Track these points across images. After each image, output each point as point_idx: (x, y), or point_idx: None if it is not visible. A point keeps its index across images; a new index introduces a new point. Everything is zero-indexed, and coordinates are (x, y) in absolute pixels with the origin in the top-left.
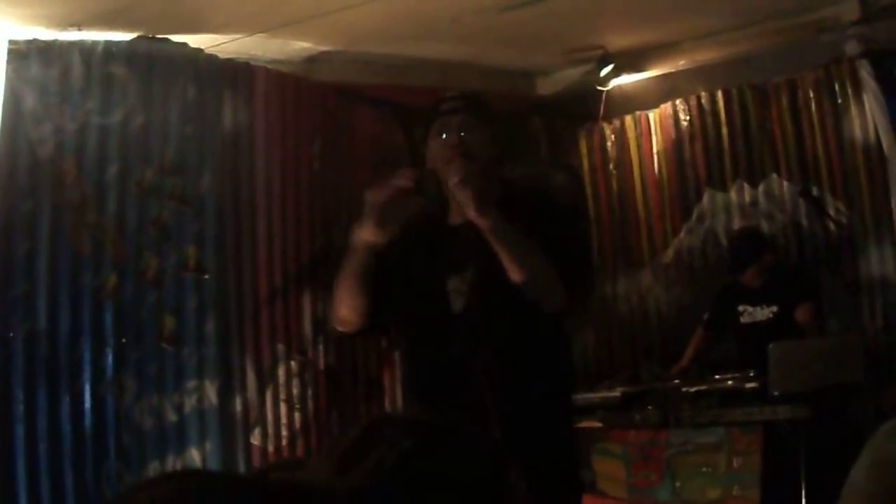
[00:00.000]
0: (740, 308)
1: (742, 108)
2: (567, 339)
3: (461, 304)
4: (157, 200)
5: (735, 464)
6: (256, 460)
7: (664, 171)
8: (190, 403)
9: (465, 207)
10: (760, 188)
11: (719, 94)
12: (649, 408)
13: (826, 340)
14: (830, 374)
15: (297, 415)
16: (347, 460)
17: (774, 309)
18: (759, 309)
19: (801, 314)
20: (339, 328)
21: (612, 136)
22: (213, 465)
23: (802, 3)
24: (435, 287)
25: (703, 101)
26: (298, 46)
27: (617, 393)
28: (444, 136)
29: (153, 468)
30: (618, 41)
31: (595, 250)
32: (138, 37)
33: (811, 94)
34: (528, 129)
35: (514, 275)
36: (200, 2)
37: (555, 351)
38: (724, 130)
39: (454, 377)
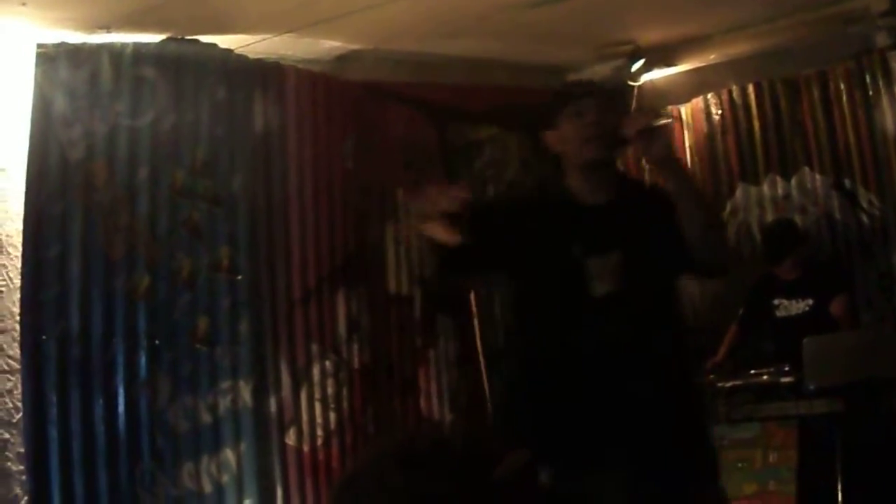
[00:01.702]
0: (776, 302)
1: (773, 101)
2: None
3: (603, 288)
4: (188, 201)
5: (771, 459)
6: (291, 461)
7: (696, 165)
8: (224, 404)
9: (655, 150)
10: (793, 181)
11: (750, 88)
12: None
13: (861, 333)
14: (866, 367)
15: (332, 414)
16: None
17: (810, 302)
18: (794, 302)
19: (837, 307)
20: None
21: None
22: (248, 465)
23: None
24: (573, 269)
25: (735, 94)
26: (328, 45)
27: None
28: (581, 116)
29: (187, 469)
30: (648, 36)
31: None
32: (167, 38)
33: (842, 87)
34: None
35: (695, 225)
36: (229, 2)
37: (683, 336)
38: (756, 124)
39: (591, 361)
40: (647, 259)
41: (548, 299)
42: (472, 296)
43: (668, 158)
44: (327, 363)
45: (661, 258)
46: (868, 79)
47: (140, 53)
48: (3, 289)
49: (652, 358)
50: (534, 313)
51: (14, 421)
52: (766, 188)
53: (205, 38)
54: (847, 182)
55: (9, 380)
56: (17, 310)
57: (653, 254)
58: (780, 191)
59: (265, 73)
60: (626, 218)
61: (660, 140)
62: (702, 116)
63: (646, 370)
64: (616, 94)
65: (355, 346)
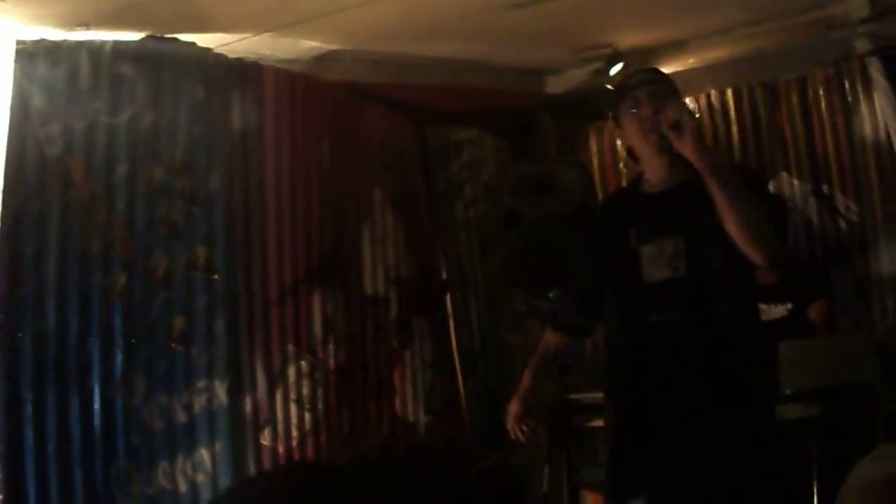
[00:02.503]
0: None
1: (752, 106)
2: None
3: (660, 273)
4: (166, 200)
5: None
6: (266, 461)
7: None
8: (199, 403)
9: (682, 146)
10: (771, 186)
11: (729, 93)
12: None
13: (837, 339)
14: (842, 372)
15: (307, 415)
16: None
17: (789, 306)
18: (773, 306)
19: (815, 312)
20: None
21: None
22: (223, 465)
23: (812, 0)
24: (629, 256)
25: (713, 99)
26: (307, 45)
27: None
28: (639, 107)
29: (162, 469)
30: (627, 39)
31: None
32: (147, 36)
33: (821, 92)
34: (538, 128)
35: (733, 219)
36: (209, 1)
37: (752, 325)
38: (734, 128)
39: (651, 347)
40: (710, 245)
41: (610, 287)
42: (448, 297)
43: (698, 153)
44: (303, 363)
45: (727, 244)
46: (847, 85)
47: (119, 51)
48: None
49: (712, 348)
50: (608, 300)
51: None
52: None
53: (184, 37)
54: (825, 188)
55: None
56: None
57: (718, 239)
58: None
59: (244, 73)
60: (688, 204)
61: (689, 134)
62: None
63: (703, 361)
64: (669, 80)
65: (331, 347)
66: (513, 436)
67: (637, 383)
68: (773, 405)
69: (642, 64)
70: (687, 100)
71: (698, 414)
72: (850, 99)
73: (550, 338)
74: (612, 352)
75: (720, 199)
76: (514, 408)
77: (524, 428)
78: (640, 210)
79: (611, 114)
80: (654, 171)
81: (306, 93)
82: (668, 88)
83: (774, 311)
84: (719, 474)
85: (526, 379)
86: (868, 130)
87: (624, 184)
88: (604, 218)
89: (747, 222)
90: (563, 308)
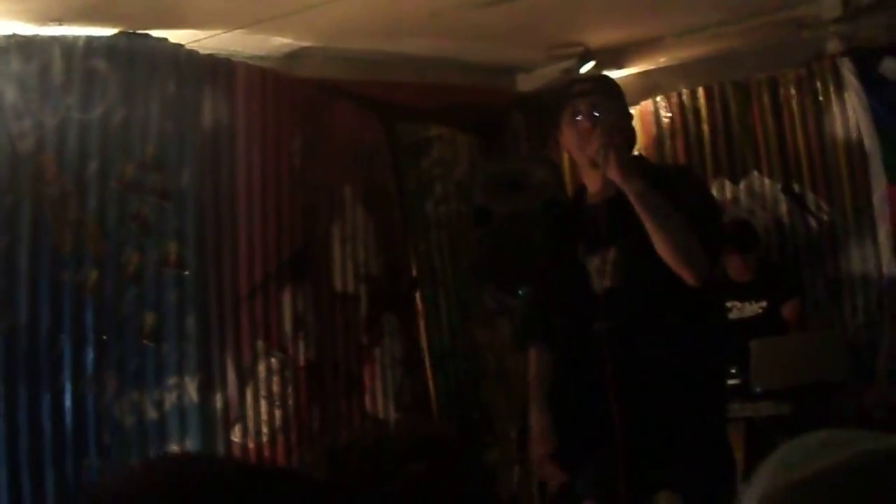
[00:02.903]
0: (728, 304)
1: (723, 104)
2: (719, 313)
3: (604, 283)
4: (137, 196)
5: None
6: (237, 458)
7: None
8: (170, 400)
9: (609, 173)
10: (742, 185)
11: (700, 91)
12: None
13: (808, 337)
14: (813, 370)
15: (277, 412)
16: (342, 460)
17: (764, 304)
18: (747, 304)
19: (789, 311)
20: None
21: None
22: None
23: (784, 0)
24: (576, 266)
25: (685, 97)
26: (279, 42)
27: None
28: (578, 118)
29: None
30: (598, 38)
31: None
32: (119, 32)
33: (793, 92)
34: (509, 125)
35: (660, 242)
36: None
37: (699, 327)
38: (706, 127)
39: (596, 354)
40: (643, 256)
41: (558, 298)
42: (418, 295)
43: (624, 179)
44: (273, 360)
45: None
46: (819, 85)
47: (91, 47)
48: None
49: (654, 351)
50: (555, 309)
51: None
52: (714, 191)
53: (156, 33)
54: (796, 187)
55: None
56: None
57: (651, 250)
58: (728, 194)
59: (215, 69)
60: (623, 215)
61: (614, 163)
62: (651, 119)
63: (651, 369)
64: (616, 86)
65: (301, 344)
66: (549, 480)
67: (580, 390)
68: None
69: (614, 62)
70: (658, 98)
71: (642, 417)
72: (821, 99)
73: (534, 361)
74: (558, 360)
75: (647, 224)
76: (538, 452)
77: (553, 469)
78: (583, 222)
79: (553, 119)
80: (593, 182)
81: (277, 89)
82: (610, 100)
83: (749, 309)
84: (664, 474)
85: (536, 417)
86: (839, 130)
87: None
88: (553, 228)
89: (675, 246)
90: (527, 322)
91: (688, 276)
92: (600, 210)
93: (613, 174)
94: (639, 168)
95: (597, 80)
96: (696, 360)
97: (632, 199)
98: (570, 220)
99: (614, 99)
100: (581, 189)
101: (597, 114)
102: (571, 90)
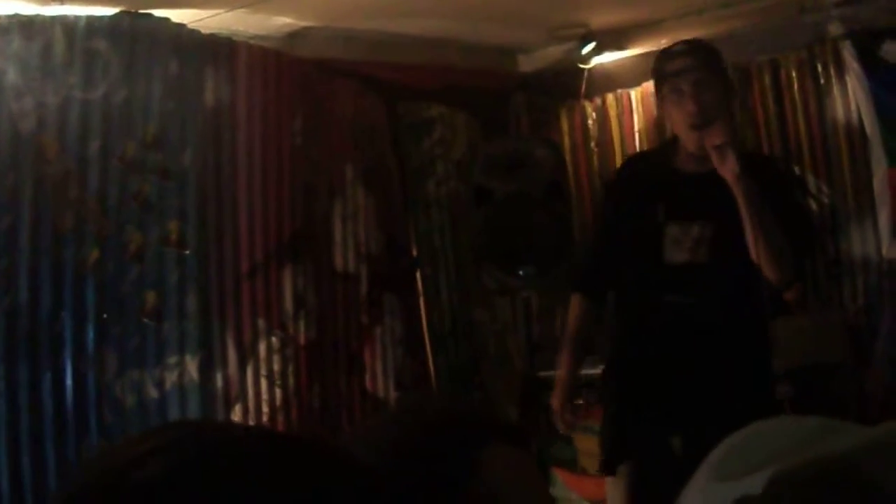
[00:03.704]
0: None
1: None
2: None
3: (679, 256)
4: (139, 175)
5: None
6: None
7: (645, 149)
8: (171, 379)
9: (722, 170)
10: None
11: None
12: None
13: (809, 319)
14: (814, 352)
15: (277, 390)
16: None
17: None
18: None
19: (790, 292)
20: None
21: (594, 115)
22: None
23: None
24: (650, 230)
25: None
26: (280, 22)
27: (598, 370)
28: (680, 102)
29: None
30: (600, 19)
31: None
32: (120, 12)
33: (794, 75)
34: (510, 106)
35: (757, 241)
36: None
37: (759, 312)
38: None
39: (664, 327)
40: (735, 235)
41: (625, 260)
42: (419, 274)
43: (736, 179)
44: (273, 339)
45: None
46: (820, 68)
47: (93, 26)
48: None
49: (720, 332)
50: (623, 276)
51: None
52: None
53: (158, 13)
54: (797, 169)
55: None
56: None
57: (743, 232)
58: None
59: (217, 49)
60: (721, 191)
61: (731, 161)
62: (652, 101)
63: (718, 346)
64: (715, 53)
65: (301, 323)
66: (563, 430)
67: (645, 359)
68: (770, 387)
69: (616, 44)
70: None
71: (701, 392)
72: (822, 82)
73: (574, 309)
74: (622, 326)
75: (748, 223)
76: (557, 403)
77: (569, 417)
78: (671, 187)
79: (654, 88)
80: (692, 143)
81: (279, 69)
82: (712, 73)
83: None
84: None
85: (563, 364)
86: (840, 113)
87: (595, 163)
88: (627, 183)
89: (770, 249)
90: (581, 269)
91: (774, 277)
92: (694, 182)
93: (727, 173)
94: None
95: (695, 51)
96: (755, 352)
97: (739, 198)
98: (655, 180)
99: (714, 71)
100: (666, 148)
101: (700, 95)
102: (669, 67)
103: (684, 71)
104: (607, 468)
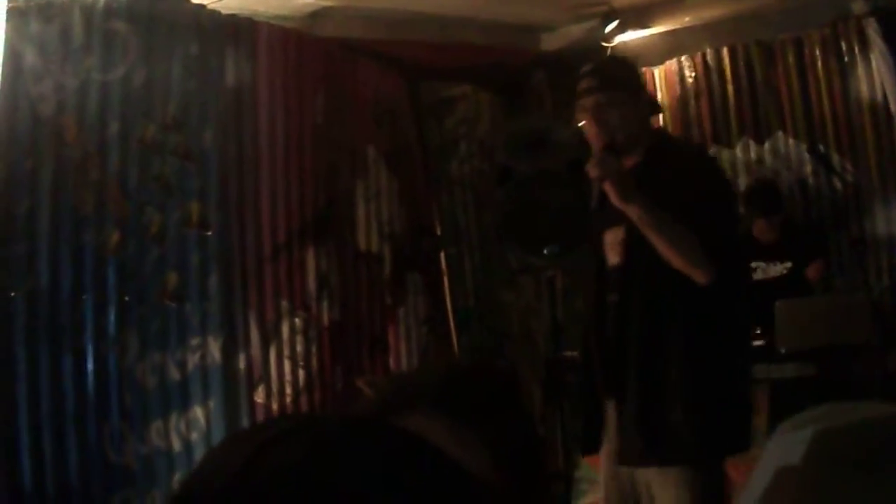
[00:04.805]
0: (753, 265)
1: (748, 65)
2: (734, 288)
3: (615, 258)
4: (159, 157)
5: None
6: (260, 418)
7: (669, 127)
8: (193, 361)
9: (612, 199)
10: (766, 145)
11: (725, 51)
12: None
13: (833, 299)
14: (837, 332)
15: (300, 372)
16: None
17: (789, 265)
18: (773, 265)
19: (813, 271)
20: None
21: None
22: (217, 423)
23: None
24: (597, 240)
25: (709, 57)
26: (301, 2)
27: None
28: (588, 122)
29: (156, 427)
30: None
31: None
32: None
33: (818, 52)
34: (533, 85)
35: (666, 254)
36: None
37: (709, 307)
38: (730, 87)
39: (609, 322)
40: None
41: (585, 265)
42: (442, 254)
43: (625, 205)
44: (296, 320)
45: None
46: (844, 45)
47: (111, 8)
48: None
49: (661, 331)
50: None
51: None
52: (738, 152)
53: None
54: (821, 148)
55: None
56: None
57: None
58: (753, 155)
59: (237, 29)
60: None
61: (611, 193)
62: (675, 79)
63: (655, 340)
64: (624, 71)
65: (325, 303)
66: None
67: (600, 352)
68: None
69: (638, 22)
70: (683, 58)
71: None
72: (846, 59)
73: None
74: (585, 322)
75: (652, 239)
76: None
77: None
78: (605, 198)
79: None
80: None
81: (300, 49)
82: (616, 93)
83: (773, 270)
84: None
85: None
86: (864, 91)
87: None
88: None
89: (679, 255)
90: None
91: (697, 279)
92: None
93: (615, 200)
94: (653, 145)
95: (601, 73)
96: (699, 341)
97: (635, 220)
98: (601, 196)
99: (619, 90)
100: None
101: (601, 115)
102: (580, 86)
103: (587, 92)
104: (587, 448)
